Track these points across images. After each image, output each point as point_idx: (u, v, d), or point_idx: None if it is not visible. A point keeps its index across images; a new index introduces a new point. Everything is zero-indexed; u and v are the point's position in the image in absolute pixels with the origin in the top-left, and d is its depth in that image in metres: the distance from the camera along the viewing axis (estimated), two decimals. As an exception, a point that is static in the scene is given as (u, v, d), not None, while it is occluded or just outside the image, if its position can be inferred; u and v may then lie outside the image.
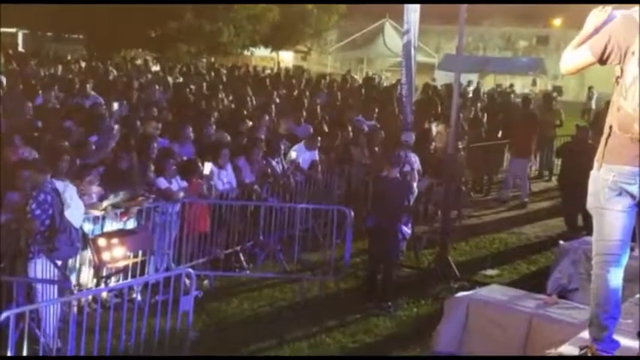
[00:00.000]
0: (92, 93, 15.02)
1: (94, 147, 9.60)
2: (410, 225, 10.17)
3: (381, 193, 9.71)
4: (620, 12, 4.01)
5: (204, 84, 20.51)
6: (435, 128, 14.86)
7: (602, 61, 3.99)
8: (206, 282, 9.48)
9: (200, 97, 16.45)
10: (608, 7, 4.07)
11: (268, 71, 32.58)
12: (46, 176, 7.10)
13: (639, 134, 3.86)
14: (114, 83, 18.97)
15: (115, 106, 12.94)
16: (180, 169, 9.67)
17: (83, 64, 25.59)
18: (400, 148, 11.68)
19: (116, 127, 10.73)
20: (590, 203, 4.17)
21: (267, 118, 13.57)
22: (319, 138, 12.36)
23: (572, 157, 12.57)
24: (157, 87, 17.80)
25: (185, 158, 10.19)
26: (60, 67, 22.80)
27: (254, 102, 16.74)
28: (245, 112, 14.34)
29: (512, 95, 28.92)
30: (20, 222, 6.72)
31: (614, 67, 4.00)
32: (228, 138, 11.47)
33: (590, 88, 33.95)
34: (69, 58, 27.96)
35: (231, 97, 17.27)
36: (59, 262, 7.16)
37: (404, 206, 9.74)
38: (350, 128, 13.74)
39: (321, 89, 21.57)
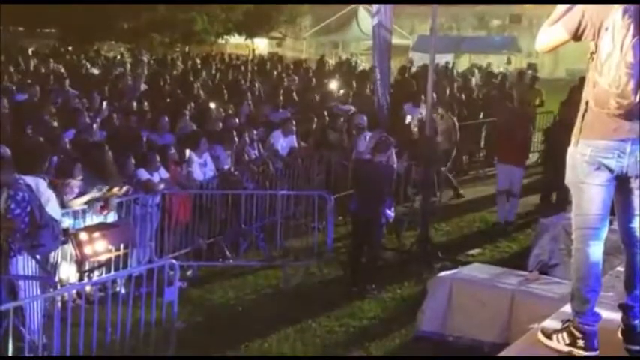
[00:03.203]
0: (69, 89, 14.85)
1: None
2: (393, 208, 10.19)
3: (365, 177, 9.63)
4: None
5: (178, 73, 20.37)
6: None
7: (577, 37, 4.02)
8: (189, 272, 9.47)
9: (175, 87, 16.34)
10: None
11: (243, 58, 32.40)
12: (15, 174, 6.99)
13: (615, 109, 3.91)
14: (90, 77, 18.77)
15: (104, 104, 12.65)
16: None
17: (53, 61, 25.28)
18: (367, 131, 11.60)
19: (95, 126, 10.58)
20: (569, 178, 4.21)
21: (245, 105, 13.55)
22: (294, 122, 12.33)
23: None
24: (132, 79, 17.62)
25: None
26: (32, 63, 22.50)
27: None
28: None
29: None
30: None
31: (589, 44, 4.04)
32: (194, 127, 11.42)
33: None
34: (42, 52, 27.59)
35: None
36: (39, 258, 7.10)
37: (388, 189, 9.71)
38: (326, 113, 13.72)
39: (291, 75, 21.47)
